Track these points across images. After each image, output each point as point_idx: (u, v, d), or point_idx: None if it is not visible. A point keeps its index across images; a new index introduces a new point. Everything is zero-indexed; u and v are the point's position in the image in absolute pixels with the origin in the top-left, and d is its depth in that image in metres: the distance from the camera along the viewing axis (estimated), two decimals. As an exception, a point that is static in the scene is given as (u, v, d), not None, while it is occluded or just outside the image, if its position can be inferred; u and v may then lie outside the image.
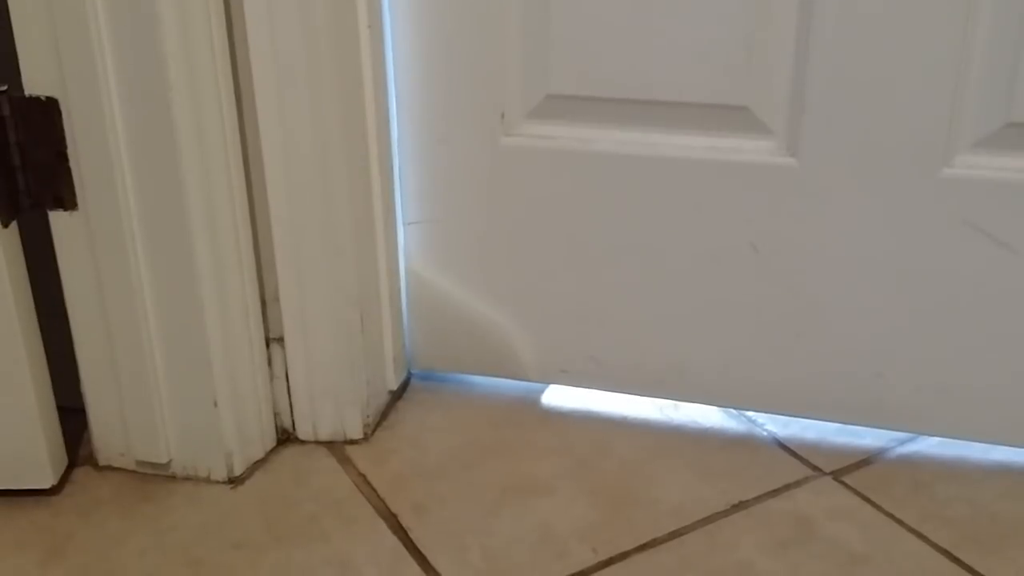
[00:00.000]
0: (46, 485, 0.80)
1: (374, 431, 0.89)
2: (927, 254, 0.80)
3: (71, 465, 0.84)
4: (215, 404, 0.80)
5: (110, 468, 0.84)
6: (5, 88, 0.72)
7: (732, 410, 0.92)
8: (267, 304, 0.84)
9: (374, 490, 0.82)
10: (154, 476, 0.83)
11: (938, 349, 0.83)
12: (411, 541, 0.76)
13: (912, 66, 0.74)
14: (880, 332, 0.83)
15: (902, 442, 0.87)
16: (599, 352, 0.92)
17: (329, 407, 0.87)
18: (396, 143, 0.88)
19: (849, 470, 0.83)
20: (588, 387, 0.94)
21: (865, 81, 0.76)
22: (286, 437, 0.88)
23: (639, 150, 0.83)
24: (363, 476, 0.83)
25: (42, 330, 0.78)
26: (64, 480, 0.82)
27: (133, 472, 0.84)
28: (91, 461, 0.85)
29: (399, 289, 0.91)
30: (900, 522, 0.77)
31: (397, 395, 0.94)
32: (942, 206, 0.78)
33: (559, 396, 0.95)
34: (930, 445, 0.86)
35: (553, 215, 0.87)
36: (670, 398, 0.93)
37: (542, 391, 0.95)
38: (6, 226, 0.73)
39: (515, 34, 0.82)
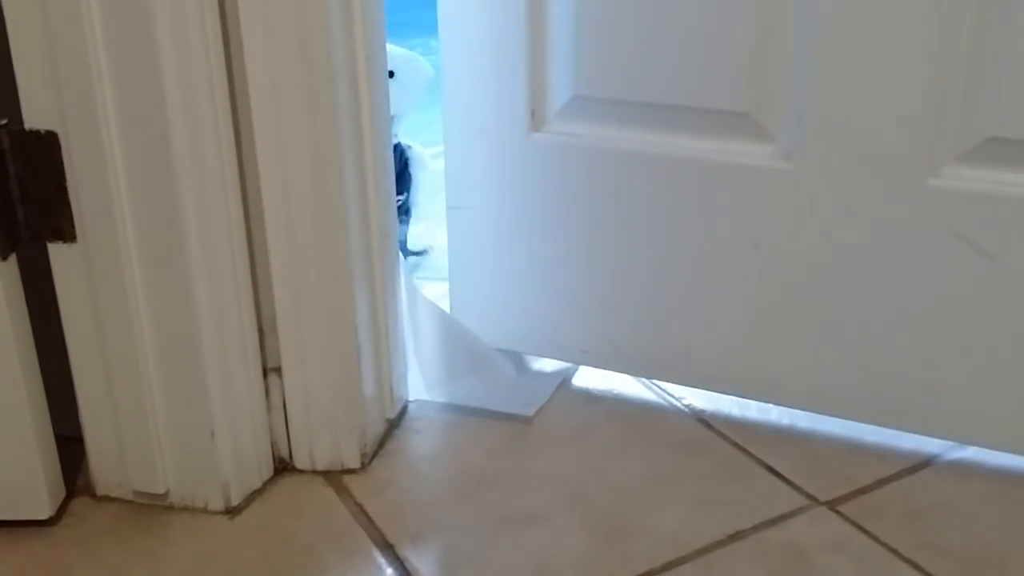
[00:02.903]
0: (43, 516, 0.80)
1: (372, 460, 0.89)
2: (914, 259, 0.83)
3: (69, 495, 0.84)
4: (212, 435, 0.80)
5: (108, 498, 0.84)
6: (5, 122, 0.72)
7: (730, 440, 0.92)
8: (265, 334, 0.84)
9: (371, 520, 0.82)
10: (152, 506, 0.83)
11: (925, 350, 0.85)
12: (408, 572, 0.76)
13: (898, 80, 0.78)
14: (871, 331, 0.87)
15: (897, 471, 0.87)
16: (615, 336, 0.97)
17: (327, 437, 0.87)
18: (443, 133, 0.97)
19: (844, 499, 0.84)
20: (605, 368, 1.01)
21: (856, 93, 0.80)
22: (283, 467, 0.88)
23: (653, 149, 0.89)
24: (360, 506, 0.84)
25: (42, 359, 0.79)
26: (62, 511, 0.82)
27: (131, 502, 0.84)
28: (89, 491, 0.85)
29: (397, 317, 0.91)
30: (895, 552, 0.78)
31: (395, 424, 0.94)
32: (928, 214, 0.81)
33: (555, 423, 0.95)
34: (925, 475, 0.87)
35: (575, 206, 0.94)
36: (678, 383, 0.99)
37: (538, 419, 0.95)
38: (5, 258, 0.73)
39: (547, 40, 0.89)
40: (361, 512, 0.83)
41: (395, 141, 1.18)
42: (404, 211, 1.24)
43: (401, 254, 1.22)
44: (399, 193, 1.20)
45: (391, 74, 1.10)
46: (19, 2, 0.69)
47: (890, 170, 0.81)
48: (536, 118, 0.92)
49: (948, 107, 0.78)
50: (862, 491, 0.85)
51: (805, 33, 0.80)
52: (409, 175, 1.23)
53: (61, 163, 0.73)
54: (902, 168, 0.81)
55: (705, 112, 0.86)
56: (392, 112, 1.11)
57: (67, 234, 0.75)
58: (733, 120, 0.86)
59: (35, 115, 0.72)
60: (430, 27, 0.94)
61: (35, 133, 0.72)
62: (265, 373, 0.85)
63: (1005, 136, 0.77)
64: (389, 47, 1.11)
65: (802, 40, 0.80)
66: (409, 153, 1.23)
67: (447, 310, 1.03)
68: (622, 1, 0.85)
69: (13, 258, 0.75)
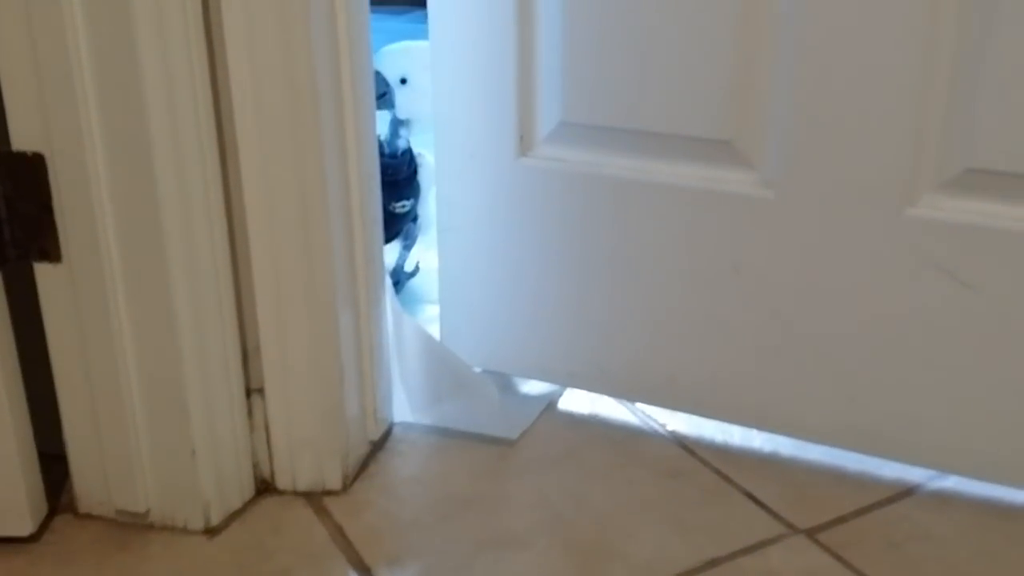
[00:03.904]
0: (24, 533, 0.81)
1: (354, 482, 0.90)
2: (893, 289, 0.83)
3: (53, 512, 0.85)
4: (193, 454, 0.81)
5: (90, 516, 0.85)
6: (-7, 143, 0.74)
7: (711, 466, 0.92)
8: (249, 355, 0.85)
9: (349, 543, 0.82)
10: (133, 525, 0.84)
11: (906, 379, 0.86)
12: (383, 594, 0.77)
13: (877, 110, 0.79)
14: (852, 358, 0.87)
15: (878, 500, 0.87)
16: (602, 359, 0.98)
17: (308, 458, 0.87)
18: (435, 156, 0.99)
19: (823, 528, 0.84)
20: (592, 391, 1.01)
21: (836, 122, 0.81)
22: (265, 487, 0.88)
23: (638, 175, 0.90)
24: (339, 528, 0.84)
25: (31, 376, 0.79)
26: (44, 527, 0.83)
27: (112, 520, 0.84)
28: (72, 509, 0.85)
29: (382, 340, 0.92)
30: (871, 582, 0.78)
31: (378, 445, 0.94)
32: (907, 244, 0.82)
33: (539, 447, 0.95)
34: (906, 504, 0.86)
35: (562, 230, 0.95)
36: (664, 407, 0.99)
37: (522, 442, 0.96)
38: (-10, 277, 0.74)
39: (535, 66, 0.91)
40: (340, 534, 0.83)
41: (407, 146, 1.17)
42: (412, 219, 1.23)
43: (390, 277, 1.23)
44: (406, 199, 1.19)
45: (403, 81, 1.11)
46: (6, 27, 0.70)
47: (870, 199, 0.82)
48: (524, 143, 0.94)
49: (926, 137, 0.78)
50: (842, 519, 0.85)
51: (785, 62, 0.81)
52: (418, 184, 1.21)
53: (47, 184, 0.74)
54: (881, 197, 0.81)
55: (688, 139, 0.88)
56: (406, 117, 1.13)
57: (53, 254, 0.76)
58: (715, 148, 0.87)
59: (22, 136, 0.73)
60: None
61: (22, 154, 0.74)
62: (249, 393, 0.86)
63: (983, 167, 0.78)
64: (410, 43, 1.14)
65: (782, 69, 0.81)
66: (420, 161, 1.21)
67: (437, 331, 1.03)
68: (608, 30, 0.87)
69: (-2, 277, 0.76)
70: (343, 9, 0.78)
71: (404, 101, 1.12)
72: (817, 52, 0.79)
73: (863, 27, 0.77)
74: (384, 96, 1.10)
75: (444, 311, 1.04)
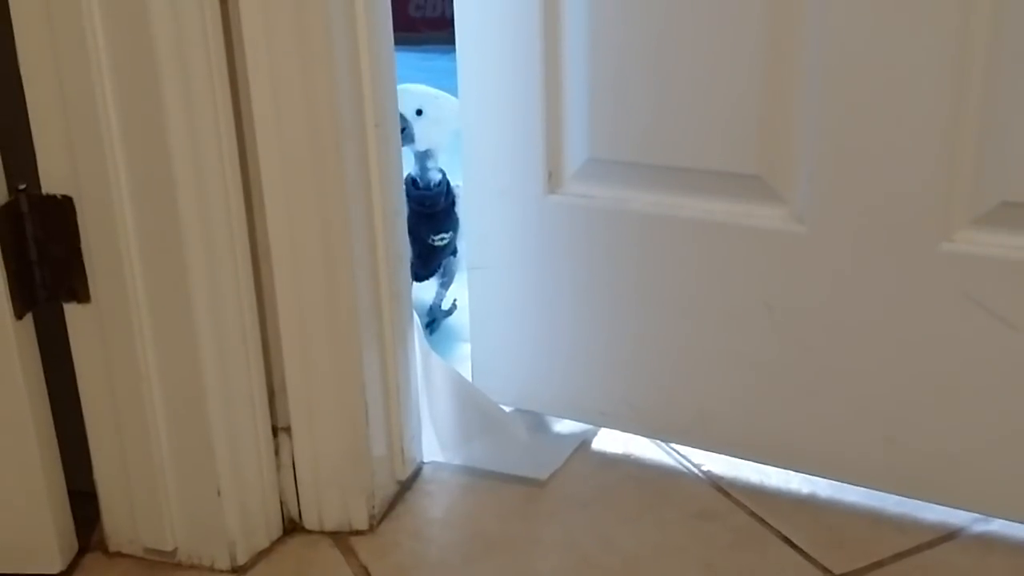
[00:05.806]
0: (54, 571, 0.81)
1: (381, 522, 0.89)
2: (929, 325, 0.81)
3: (84, 550, 0.85)
4: (218, 493, 0.81)
5: (120, 555, 0.85)
6: (24, 187, 0.75)
7: (746, 508, 0.90)
8: (275, 394, 0.85)
9: (373, 583, 0.82)
10: (161, 563, 0.84)
11: (943, 418, 0.83)
12: (405, 637, 0.76)
13: (908, 144, 0.78)
14: (888, 397, 0.85)
15: (917, 544, 0.84)
16: (634, 398, 0.96)
17: (335, 497, 0.87)
18: (463, 193, 1.01)
19: (860, 573, 0.81)
20: (624, 430, 0.99)
21: (867, 156, 0.79)
22: (293, 527, 0.88)
23: (667, 211, 0.89)
24: (365, 568, 0.83)
25: (63, 415, 0.80)
26: (75, 566, 0.84)
27: (141, 559, 0.85)
28: (103, 547, 0.86)
29: (409, 379, 0.91)
30: (908, 630, 0.75)
31: (407, 485, 0.94)
32: (942, 279, 0.79)
33: (570, 487, 0.94)
34: (946, 549, 0.83)
35: (592, 267, 0.94)
36: (697, 447, 0.97)
37: (553, 483, 0.94)
38: (20, 318, 0.76)
39: (562, 103, 0.91)
40: (365, 574, 0.83)
41: (441, 177, 1.16)
42: (452, 252, 1.23)
43: (426, 315, 1.23)
44: (445, 231, 1.18)
45: (419, 112, 1.11)
46: (38, 75, 0.72)
47: (903, 233, 0.80)
48: (553, 180, 0.93)
49: (960, 171, 0.76)
50: (879, 564, 0.82)
51: (813, 94, 0.80)
52: (456, 216, 1.19)
53: (76, 226, 0.76)
54: (915, 232, 0.79)
55: (717, 175, 0.86)
56: (426, 147, 1.13)
57: (81, 294, 0.78)
58: (745, 183, 0.85)
59: (52, 180, 0.75)
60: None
61: (52, 197, 0.75)
62: (275, 432, 0.86)
63: (1019, 200, 0.75)
64: (416, 87, 1.14)
65: (811, 101, 0.80)
66: (458, 192, 1.18)
67: (469, 369, 1.03)
68: (635, 66, 0.86)
69: (29, 317, 0.77)
70: (366, 49, 0.79)
71: (422, 131, 1.12)
72: (845, 83, 0.78)
73: (892, 58, 0.76)
74: (404, 132, 1.09)
75: (475, 349, 1.03)
